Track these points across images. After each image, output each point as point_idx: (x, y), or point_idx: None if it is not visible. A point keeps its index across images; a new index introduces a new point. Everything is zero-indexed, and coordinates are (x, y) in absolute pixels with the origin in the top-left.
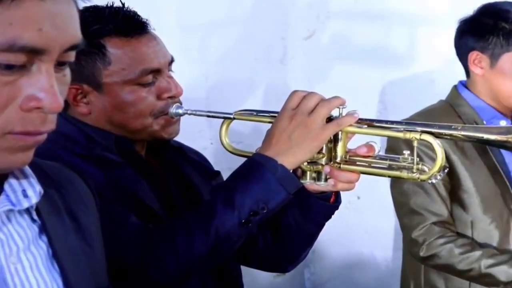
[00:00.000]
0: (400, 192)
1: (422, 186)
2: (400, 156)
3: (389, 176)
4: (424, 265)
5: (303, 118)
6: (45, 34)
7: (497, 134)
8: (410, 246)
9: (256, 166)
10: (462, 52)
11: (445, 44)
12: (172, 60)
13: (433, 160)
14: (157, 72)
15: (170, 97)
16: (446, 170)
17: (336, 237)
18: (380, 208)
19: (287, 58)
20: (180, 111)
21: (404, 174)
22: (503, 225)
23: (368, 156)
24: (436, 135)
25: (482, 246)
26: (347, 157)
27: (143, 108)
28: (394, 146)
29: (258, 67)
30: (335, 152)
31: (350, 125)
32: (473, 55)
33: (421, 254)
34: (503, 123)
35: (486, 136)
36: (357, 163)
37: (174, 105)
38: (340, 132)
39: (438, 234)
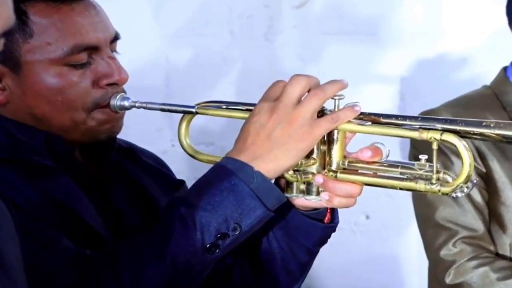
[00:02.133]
0: (423, 202)
1: None
2: (416, 163)
3: (400, 189)
4: None
5: (287, 111)
6: None
7: None
8: (434, 269)
9: (225, 174)
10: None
11: (484, 11)
12: (116, 37)
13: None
14: (94, 50)
15: (111, 85)
16: (475, 181)
17: (339, 269)
18: (395, 230)
19: (272, 33)
20: (126, 103)
21: (421, 185)
22: None
23: (374, 163)
24: (462, 135)
25: None
26: (346, 163)
27: (74, 97)
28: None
29: (234, 44)
30: (330, 157)
31: (349, 122)
32: None
33: (448, 280)
34: None
35: None
36: (359, 171)
37: (118, 96)
38: (336, 131)
39: (470, 254)
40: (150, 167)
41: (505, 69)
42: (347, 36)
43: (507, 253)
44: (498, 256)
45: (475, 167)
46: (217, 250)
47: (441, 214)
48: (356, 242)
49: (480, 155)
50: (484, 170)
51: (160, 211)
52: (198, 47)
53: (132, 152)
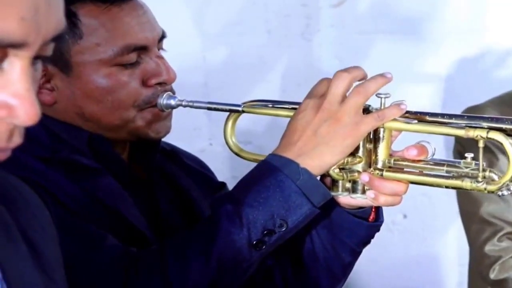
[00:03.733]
0: (468, 198)
1: None
2: (462, 161)
3: (446, 187)
4: None
5: (333, 108)
6: (27, 23)
7: None
8: (478, 264)
9: (271, 170)
10: None
11: None
12: (163, 36)
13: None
14: (143, 50)
15: (159, 84)
16: None
17: (377, 268)
18: (432, 229)
19: (310, 31)
20: (172, 102)
21: (467, 183)
22: None
23: (420, 161)
24: (508, 133)
25: None
26: (392, 161)
27: (124, 97)
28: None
29: (271, 43)
30: (376, 155)
31: (395, 120)
32: None
33: (492, 276)
34: None
35: None
36: (405, 169)
37: (164, 95)
38: (382, 129)
39: None
40: (192, 169)
41: None
42: (385, 35)
43: None
44: None
45: None
46: (264, 247)
47: (486, 209)
48: (394, 242)
49: None
50: None
51: (200, 214)
52: (235, 46)
53: (175, 154)
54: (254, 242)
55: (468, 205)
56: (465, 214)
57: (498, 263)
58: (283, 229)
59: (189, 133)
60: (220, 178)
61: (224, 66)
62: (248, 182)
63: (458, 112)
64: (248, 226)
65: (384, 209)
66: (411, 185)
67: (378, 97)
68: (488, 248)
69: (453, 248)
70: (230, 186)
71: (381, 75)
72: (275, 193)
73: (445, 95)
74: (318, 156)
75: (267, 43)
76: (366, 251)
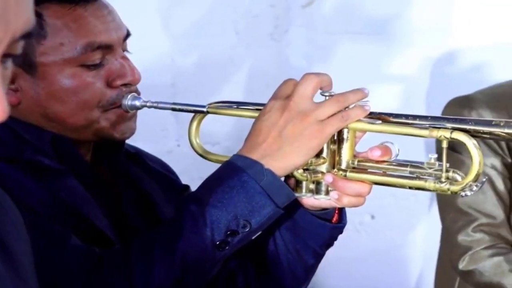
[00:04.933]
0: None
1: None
2: (425, 162)
3: (410, 187)
4: (463, 280)
5: (298, 110)
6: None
7: None
8: (450, 252)
9: (235, 171)
10: None
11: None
12: (128, 35)
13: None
14: (107, 49)
15: (125, 85)
16: (485, 180)
17: (344, 269)
18: (400, 230)
19: (279, 32)
20: (137, 103)
21: (430, 184)
22: None
23: (383, 162)
24: (472, 134)
25: None
26: (356, 162)
27: (88, 98)
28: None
29: (240, 44)
30: (340, 156)
31: (359, 120)
32: None
33: (461, 266)
34: None
35: None
36: (369, 170)
37: (129, 96)
38: (346, 130)
39: (487, 243)
40: (156, 172)
41: None
42: (355, 35)
43: None
44: None
45: (501, 156)
46: (227, 247)
47: (462, 199)
48: (361, 242)
49: (508, 146)
50: (510, 160)
51: (162, 217)
52: (204, 47)
53: (139, 156)
54: (218, 243)
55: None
56: (442, 203)
57: (469, 253)
58: (247, 230)
59: (157, 134)
60: (187, 179)
61: (192, 67)
62: (212, 183)
63: (425, 113)
64: (212, 227)
65: (352, 209)
66: (379, 186)
67: (323, 95)
68: (460, 237)
69: (420, 248)
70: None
71: (362, 90)
72: (239, 194)
73: (412, 95)
74: (282, 157)
75: (235, 43)
76: (333, 251)
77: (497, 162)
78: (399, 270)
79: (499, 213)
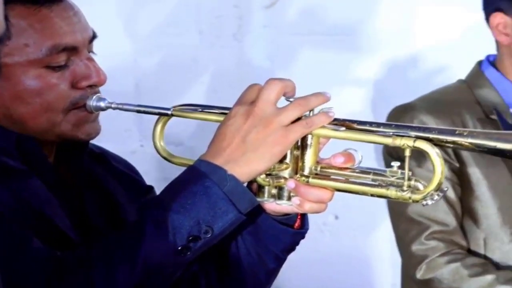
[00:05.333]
0: None
1: None
2: (388, 169)
3: (372, 195)
4: None
5: (263, 115)
6: None
7: None
8: (406, 263)
9: (198, 176)
10: (487, 14)
11: (456, 14)
12: (94, 37)
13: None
14: (72, 51)
15: (89, 86)
16: (446, 189)
17: (308, 269)
18: (364, 230)
19: (242, 32)
20: (102, 104)
21: (392, 192)
22: None
23: (346, 169)
24: (436, 143)
25: (498, 268)
26: (318, 169)
27: (53, 100)
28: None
29: (203, 44)
30: (303, 162)
31: (323, 127)
32: (496, 18)
33: (419, 275)
34: None
35: (500, 145)
36: (331, 177)
37: (94, 97)
38: (310, 136)
39: (442, 250)
40: (120, 172)
41: (479, 63)
42: (318, 37)
43: (481, 248)
44: (470, 252)
45: (448, 162)
46: (189, 253)
47: (413, 208)
48: (326, 243)
49: (455, 152)
50: (457, 165)
51: (125, 218)
52: (167, 47)
53: (103, 157)
54: (179, 248)
55: (396, 204)
56: (394, 214)
57: (425, 262)
58: (209, 236)
59: (120, 134)
60: (151, 180)
61: (156, 67)
62: (175, 188)
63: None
64: (174, 232)
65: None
66: (337, 147)
67: (288, 100)
68: (415, 247)
69: (385, 248)
70: (161, 188)
71: (323, 94)
72: (202, 199)
73: (376, 99)
74: (246, 163)
75: (199, 44)
76: (297, 252)
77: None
78: (363, 270)
79: (451, 220)
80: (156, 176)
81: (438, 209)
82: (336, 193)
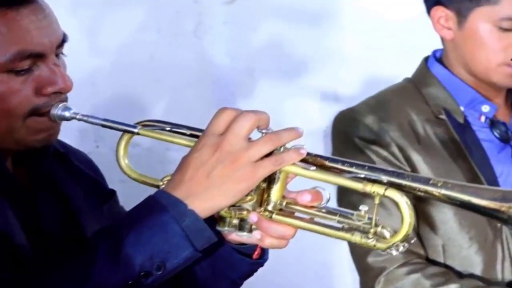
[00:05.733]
0: (346, 204)
1: None
2: (355, 212)
3: (336, 238)
4: None
5: (231, 150)
6: None
7: (488, 200)
8: (364, 276)
9: (157, 209)
10: (428, 8)
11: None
12: (63, 40)
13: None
14: (38, 57)
15: (55, 93)
16: (413, 242)
17: (270, 277)
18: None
19: (202, 29)
20: (67, 114)
21: (356, 238)
22: (487, 248)
23: (312, 207)
24: (407, 190)
25: (460, 275)
26: (284, 204)
27: (14, 105)
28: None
29: (162, 41)
30: (268, 195)
31: (293, 164)
32: (437, 12)
33: None
34: (485, 108)
35: (474, 200)
36: (296, 214)
37: (60, 105)
38: (278, 171)
39: (400, 260)
40: (81, 174)
41: (426, 60)
42: (284, 31)
43: (440, 255)
44: (429, 261)
45: (398, 166)
46: None
47: None
48: (288, 249)
49: (404, 155)
50: (409, 169)
51: (83, 225)
52: (124, 44)
53: (66, 156)
54: (130, 283)
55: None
56: None
57: (383, 274)
58: (160, 272)
59: (75, 134)
60: (107, 182)
61: (112, 65)
62: (132, 218)
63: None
64: (126, 266)
65: None
66: (306, 182)
67: (260, 132)
68: (371, 259)
69: (348, 255)
70: (118, 191)
71: (296, 129)
72: (158, 234)
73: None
74: (208, 198)
75: (157, 41)
76: None
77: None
78: (326, 278)
79: None
80: (112, 178)
81: (393, 218)
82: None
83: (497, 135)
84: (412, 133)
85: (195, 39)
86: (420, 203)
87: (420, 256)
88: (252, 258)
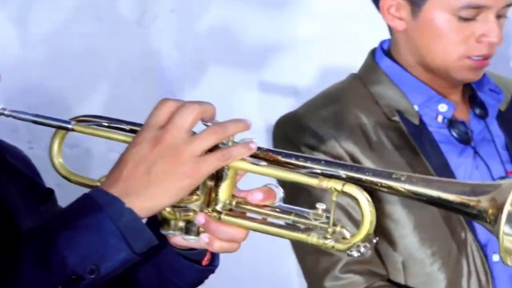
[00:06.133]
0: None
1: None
2: (312, 211)
3: (291, 239)
4: None
5: (173, 145)
6: None
7: (457, 194)
8: None
9: (92, 208)
10: None
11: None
12: None
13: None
14: None
15: None
16: (375, 241)
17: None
18: (285, 247)
19: (147, 18)
20: None
21: (313, 238)
22: (451, 264)
23: (265, 206)
24: (368, 185)
25: None
26: (234, 203)
27: None
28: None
29: (102, 31)
30: (216, 194)
31: (242, 159)
32: (387, 0)
33: None
34: (443, 107)
35: (442, 195)
36: (247, 214)
37: None
38: (226, 167)
39: (362, 284)
40: (16, 172)
41: (373, 52)
42: (237, 20)
43: (400, 273)
44: (391, 282)
45: None
46: None
47: None
48: (243, 261)
49: (353, 158)
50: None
51: (18, 227)
52: (60, 35)
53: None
54: (59, 287)
55: None
56: (296, 243)
57: None
58: (93, 276)
59: (6, 135)
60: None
61: (47, 57)
62: (65, 218)
63: None
64: (56, 269)
65: None
66: (258, 179)
67: (205, 124)
68: (329, 283)
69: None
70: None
71: (243, 121)
72: (92, 234)
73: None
74: (148, 197)
75: (96, 31)
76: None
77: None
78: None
79: None
80: (48, 181)
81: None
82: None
83: (456, 136)
84: (363, 138)
85: (139, 29)
86: (377, 216)
87: (383, 277)
88: (201, 265)
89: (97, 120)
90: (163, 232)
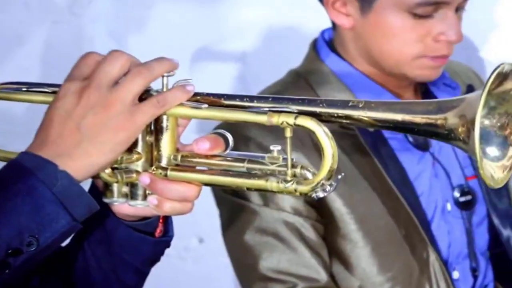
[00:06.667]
0: (240, 246)
1: (276, 233)
2: (266, 155)
3: (248, 188)
4: None
5: (101, 94)
6: None
7: (422, 114)
8: None
9: (21, 173)
10: None
11: None
12: None
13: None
14: None
15: None
16: (340, 177)
17: None
18: None
19: (80, 4)
20: None
21: (273, 184)
22: (413, 286)
23: (214, 156)
24: (324, 118)
25: None
26: (179, 158)
27: None
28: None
29: (30, 19)
30: (159, 150)
31: (181, 105)
32: None
33: None
34: None
35: (406, 117)
36: (196, 168)
37: None
38: (165, 117)
39: None
40: None
41: (314, 46)
42: (176, 5)
43: None
44: None
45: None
46: (7, 270)
47: (267, 263)
48: (188, 271)
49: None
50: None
51: None
52: None
53: None
54: None
55: (243, 256)
56: (242, 270)
57: None
58: (33, 249)
59: None
60: None
61: None
62: None
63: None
64: None
65: (176, 233)
66: (207, 203)
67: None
68: None
69: None
70: None
71: (169, 59)
72: (25, 203)
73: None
74: (82, 155)
75: (24, 19)
76: (154, 283)
77: (299, 204)
78: None
79: (319, 272)
80: None
81: (300, 260)
82: (201, 213)
83: (413, 141)
84: (313, 149)
85: (71, 16)
86: (330, 236)
87: None
88: (155, 236)
89: (19, 85)
90: (106, 200)
